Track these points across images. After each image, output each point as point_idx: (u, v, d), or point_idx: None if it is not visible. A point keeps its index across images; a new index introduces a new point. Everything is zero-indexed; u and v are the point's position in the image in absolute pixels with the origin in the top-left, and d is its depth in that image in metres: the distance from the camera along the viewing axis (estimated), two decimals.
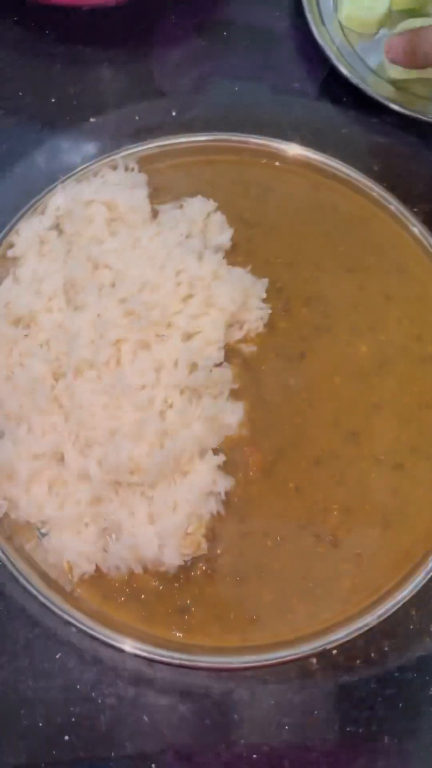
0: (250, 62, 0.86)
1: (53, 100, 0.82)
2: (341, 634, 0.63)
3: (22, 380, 0.64)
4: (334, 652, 0.64)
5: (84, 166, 0.74)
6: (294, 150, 0.77)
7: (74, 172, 0.74)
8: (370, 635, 0.64)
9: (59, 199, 0.71)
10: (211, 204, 0.73)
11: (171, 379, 0.65)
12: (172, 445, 0.62)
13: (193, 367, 0.67)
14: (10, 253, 0.70)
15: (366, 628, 0.63)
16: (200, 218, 0.72)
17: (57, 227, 0.72)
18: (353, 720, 0.63)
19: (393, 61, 0.76)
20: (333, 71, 0.82)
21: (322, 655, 0.64)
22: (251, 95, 0.84)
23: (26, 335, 0.67)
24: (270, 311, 0.72)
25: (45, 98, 0.82)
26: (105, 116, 0.82)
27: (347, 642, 0.63)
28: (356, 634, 0.63)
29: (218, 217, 0.73)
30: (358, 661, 0.64)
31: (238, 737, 0.62)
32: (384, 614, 0.63)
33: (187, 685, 0.63)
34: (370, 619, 0.63)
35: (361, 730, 0.62)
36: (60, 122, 0.81)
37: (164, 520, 0.62)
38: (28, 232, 0.70)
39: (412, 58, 0.73)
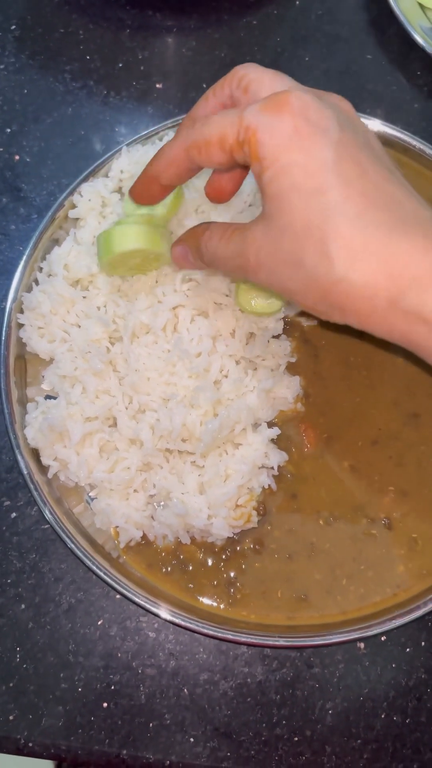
0: (322, 32, 0.83)
1: (120, 65, 0.81)
2: (392, 620, 0.60)
3: (78, 342, 0.64)
4: (383, 638, 0.62)
5: (149, 130, 0.73)
6: (371, 124, 0.75)
7: (139, 135, 0.72)
8: (422, 623, 0.62)
9: (123, 162, 0.70)
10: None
11: (227, 348, 0.63)
12: (225, 415, 0.61)
13: (251, 337, 0.66)
14: (71, 214, 0.69)
15: (418, 615, 0.60)
16: None
17: (119, 190, 0.70)
18: (400, 709, 0.60)
19: None
20: (408, 43, 0.79)
21: (371, 639, 0.62)
22: (323, 66, 0.82)
23: (84, 297, 0.66)
24: None
25: (112, 62, 0.81)
26: (172, 82, 0.80)
27: (397, 628, 0.61)
28: (407, 620, 0.60)
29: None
30: (408, 649, 0.62)
31: (279, 718, 0.60)
32: None
33: (230, 662, 0.61)
34: (423, 606, 0.60)
35: (407, 721, 0.60)
36: (126, 87, 0.80)
37: (214, 490, 0.60)
38: (91, 193, 0.69)
39: None
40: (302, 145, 0.45)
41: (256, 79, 0.50)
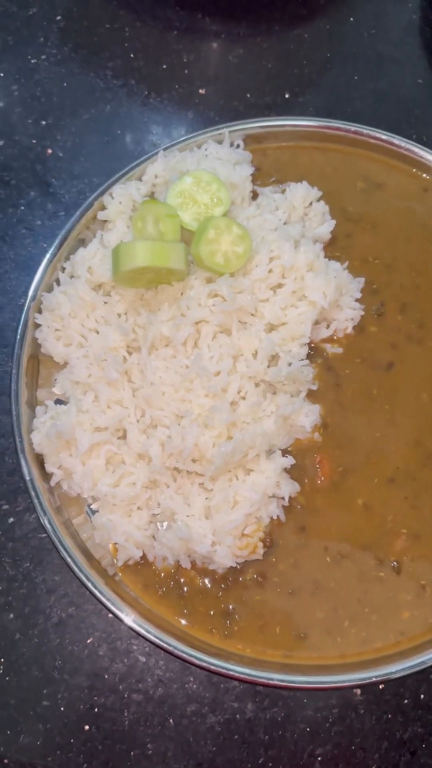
0: (373, 51, 0.81)
1: (164, 66, 0.79)
2: (392, 669, 0.58)
3: (95, 348, 0.61)
4: (381, 686, 0.59)
5: (188, 136, 0.71)
6: (410, 148, 0.72)
7: (177, 141, 0.70)
8: (423, 675, 0.60)
9: (159, 167, 0.68)
10: (315, 192, 0.69)
11: (248, 369, 0.61)
12: (240, 438, 0.58)
13: (273, 360, 0.63)
14: (100, 215, 0.67)
15: (420, 668, 0.58)
16: (302, 205, 0.68)
17: (152, 195, 0.68)
18: (392, 763, 0.58)
19: None
20: None
21: (368, 687, 0.59)
22: (371, 87, 0.80)
23: (105, 302, 0.64)
24: (362, 313, 0.67)
25: (156, 63, 0.79)
26: (215, 89, 0.78)
27: (397, 678, 0.58)
28: (409, 671, 0.58)
29: (321, 207, 0.69)
30: (405, 701, 0.59)
31: (266, 760, 0.57)
32: None
33: (220, 695, 0.59)
34: (426, 657, 0.58)
35: None
36: (168, 89, 0.78)
37: (221, 516, 0.58)
38: (122, 196, 0.67)
39: None
40: None
41: None
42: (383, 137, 0.73)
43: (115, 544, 0.60)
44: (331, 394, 0.65)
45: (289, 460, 0.62)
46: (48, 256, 0.66)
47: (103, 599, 0.59)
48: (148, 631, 0.58)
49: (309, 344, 0.66)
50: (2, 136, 0.75)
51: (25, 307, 0.64)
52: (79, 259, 0.65)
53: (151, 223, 0.61)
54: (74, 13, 0.81)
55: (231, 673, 0.57)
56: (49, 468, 0.61)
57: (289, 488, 0.61)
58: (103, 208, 0.68)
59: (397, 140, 0.73)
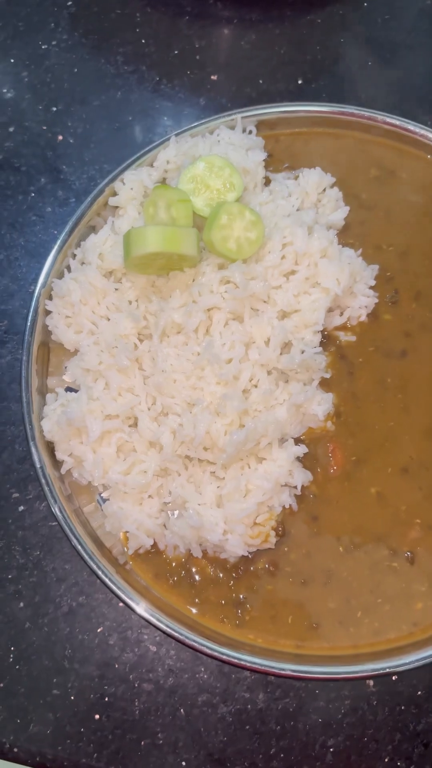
0: (386, 37, 0.80)
1: (176, 52, 0.78)
2: (405, 660, 0.57)
3: (105, 335, 0.61)
4: (394, 677, 0.59)
5: (200, 122, 0.70)
6: (425, 134, 0.71)
7: (189, 126, 0.70)
8: None
9: (170, 152, 0.67)
10: (329, 178, 0.68)
11: (260, 356, 0.60)
12: (252, 427, 0.58)
13: (286, 348, 0.63)
14: (111, 201, 0.67)
15: None
16: (315, 192, 0.68)
17: (164, 181, 0.68)
18: (405, 754, 0.57)
19: None
20: None
21: (381, 678, 0.58)
22: (384, 72, 0.78)
23: (116, 289, 0.63)
24: (377, 301, 0.66)
25: (167, 49, 0.78)
26: (227, 75, 0.77)
27: (410, 669, 0.58)
28: (423, 662, 0.57)
29: (334, 193, 0.68)
30: (419, 692, 0.58)
31: (277, 750, 0.57)
32: None
33: (231, 685, 0.58)
34: None
35: (411, 767, 0.57)
36: (179, 75, 0.77)
37: (233, 504, 0.57)
38: (133, 182, 0.66)
39: None
40: None
41: None
42: (397, 123, 0.72)
43: (126, 532, 0.60)
44: (344, 383, 0.65)
45: (302, 449, 0.61)
46: (58, 242, 0.65)
47: (114, 588, 0.58)
48: (159, 620, 0.57)
49: (322, 332, 0.65)
50: (12, 122, 0.75)
51: (36, 294, 0.64)
52: (90, 246, 0.64)
53: (163, 209, 0.60)
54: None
55: (242, 662, 0.57)
56: (59, 456, 0.61)
57: (301, 477, 0.60)
58: (114, 194, 0.67)
59: (411, 126, 0.72)
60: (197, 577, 0.60)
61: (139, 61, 0.78)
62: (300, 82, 0.77)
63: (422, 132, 0.72)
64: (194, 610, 0.59)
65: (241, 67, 0.78)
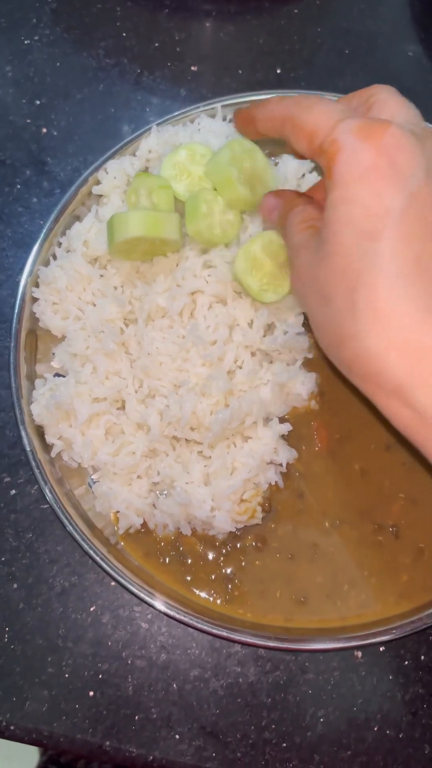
0: (363, 26, 0.82)
1: (156, 45, 0.80)
2: (392, 631, 0.58)
3: (92, 320, 0.62)
4: (382, 648, 0.60)
5: (181, 111, 0.71)
6: None
7: (170, 116, 0.71)
8: (423, 636, 0.60)
9: (152, 141, 0.68)
10: (308, 164, 0.70)
11: (244, 338, 0.62)
12: (237, 406, 0.59)
13: (269, 329, 0.64)
14: (95, 190, 0.68)
15: (419, 628, 0.58)
16: (295, 178, 0.69)
17: (146, 171, 0.69)
18: (394, 723, 0.58)
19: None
20: None
21: (369, 649, 0.60)
22: (362, 61, 0.80)
23: (101, 275, 0.64)
24: None
25: (148, 42, 0.80)
26: (207, 66, 0.79)
27: (397, 639, 0.59)
28: (408, 632, 0.58)
29: (314, 178, 0.70)
30: (406, 662, 0.60)
31: (269, 722, 0.58)
32: None
33: (222, 660, 0.59)
34: (425, 618, 0.58)
35: (401, 735, 0.58)
36: (160, 67, 0.79)
37: (220, 482, 0.59)
38: (116, 171, 0.67)
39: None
40: (374, 184, 0.42)
41: (383, 100, 0.48)
42: None
43: (116, 512, 0.61)
44: (327, 363, 0.66)
45: (287, 427, 0.62)
46: (44, 231, 0.67)
47: (106, 567, 0.59)
48: (151, 598, 0.58)
49: (305, 313, 0.66)
50: None
51: (22, 282, 0.65)
52: (74, 234, 0.66)
53: (145, 196, 0.62)
54: None
55: (233, 636, 0.58)
56: (49, 439, 0.62)
57: (286, 454, 0.62)
58: (98, 183, 0.68)
59: None
60: (187, 555, 0.61)
61: (120, 54, 0.79)
62: (279, 71, 0.79)
63: None
64: (185, 587, 0.60)
65: (221, 58, 0.79)
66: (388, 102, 0.48)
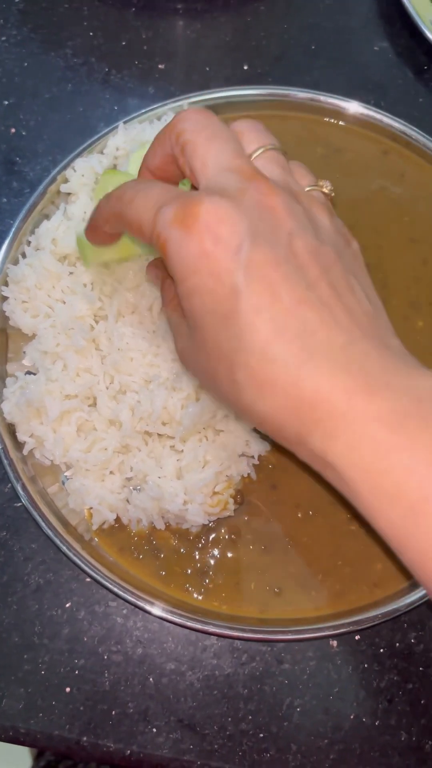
0: (330, 21, 0.82)
1: (123, 43, 0.80)
2: (366, 619, 0.59)
3: (62, 318, 0.62)
4: (357, 637, 0.60)
5: (148, 108, 0.72)
6: (368, 113, 0.74)
7: (138, 113, 0.71)
8: (397, 624, 0.61)
9: (119, 139, 0.69)
10: None
11: None
12: (208, 400, 0.59)
13: None
14: (63, 188, 0.68)
15: (393, 616, 0.59)
16: None
17: (114, 168, 0.69)
18: (370, 711, 0.59)
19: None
20: (417, 37, 0.78)
21: (344, 637, 0.60)
22: (329, 55, 0.81)
23: (71, 273, 0.64)
24: None
25: (116, 40, 0.80)
26: (175, 64, 0.79)
27: (371, 627, 0.59)
28: (382, 620, 0.59)
29: None
30: (381, 650, 0.60)
31: (246, 713, 0.58)
32: (413, 603, 0.59)
33: (198, 653, 0.60)
34: (398, 606, 0.59)
35: (377, 723, 0.58)
36: (128, 65, 0.79)
37: (192, 475, 0.59)
38: (84, 169, 0.68)
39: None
40: (211, 269, 0.42)
41: (191, 141, 0.46)
42: (341, 104, 0.74)
43: (90, 508, 0.61)
44: None
45: None
46: (13, 230, 0.67)
47: (81, 564, 0.59)
48: (126, 593, 0.59)
49: None
50: None
51: None
52: (43, 232, 0.66)
53: None
54: None
55: (209, 629, 0.58)
56: (20, 437, 0.62)
57: (258, 447, 0.62)
58: (66, 181, 0.68)
59: (355, 105, 0.74)
60: (161, 549, 0.61)
61: (88, 53, 0.79)
62: (246, 67, 0.79)
63: (366, 111, 0.74)
64: (160, 582, 0.61)
65: (189, 55, 0.80)
66: (195, 142, 0.47)
